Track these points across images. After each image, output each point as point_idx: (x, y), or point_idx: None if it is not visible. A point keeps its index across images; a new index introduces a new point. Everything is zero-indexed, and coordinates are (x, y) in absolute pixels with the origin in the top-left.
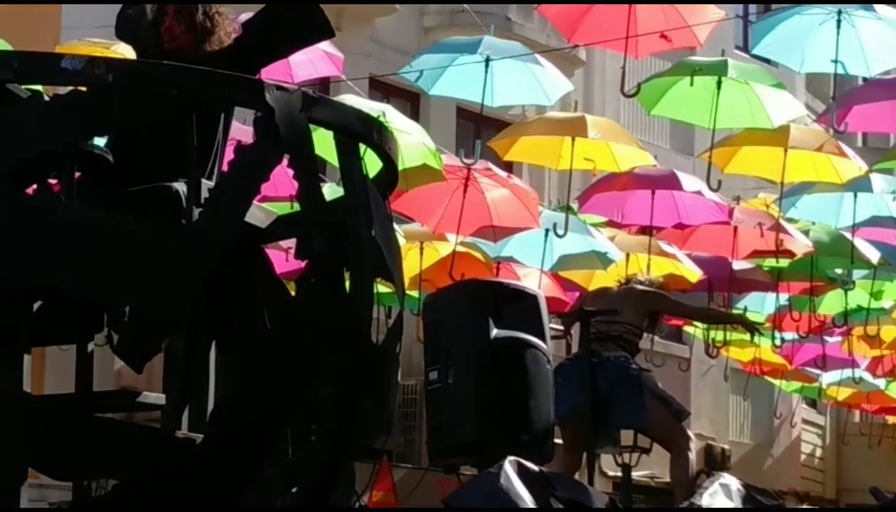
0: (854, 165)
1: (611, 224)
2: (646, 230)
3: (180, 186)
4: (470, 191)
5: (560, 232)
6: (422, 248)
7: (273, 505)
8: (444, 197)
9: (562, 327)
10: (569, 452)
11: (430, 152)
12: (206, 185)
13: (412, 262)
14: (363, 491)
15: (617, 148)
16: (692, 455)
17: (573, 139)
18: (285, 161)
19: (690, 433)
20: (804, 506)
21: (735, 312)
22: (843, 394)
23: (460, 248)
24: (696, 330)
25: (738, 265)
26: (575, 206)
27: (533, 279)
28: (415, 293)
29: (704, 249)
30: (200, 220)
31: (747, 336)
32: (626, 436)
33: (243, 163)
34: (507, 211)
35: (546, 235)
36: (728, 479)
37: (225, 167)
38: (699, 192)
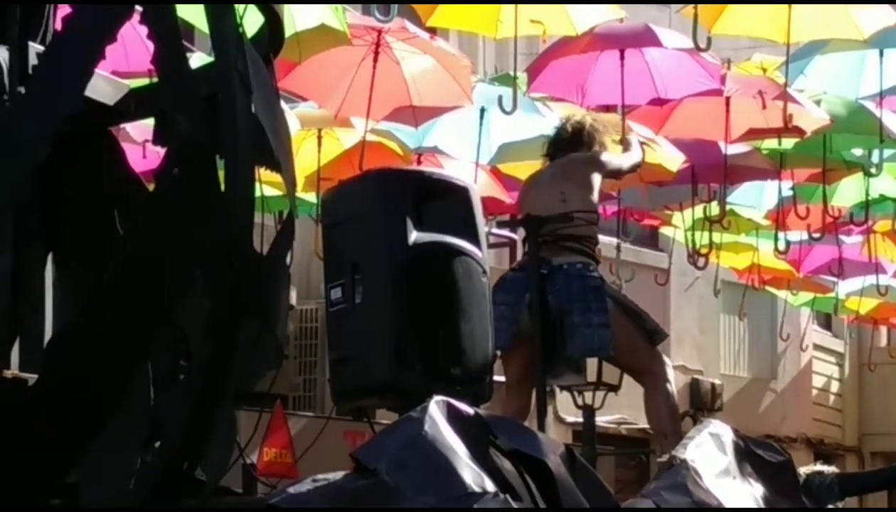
0: (880, 14)
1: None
2: (611, 109)
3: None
4: (382, 61)
5: (507, 107)
6: (320, 138)
7: (130, 463)
8: (348, 70)
9: (503, 233)
10: (515, 392)
11: (331, 8)
12: (35, 49)
13: (308, 155)
14: (247, 445)
15: (574, 8)
16: (671, 387)
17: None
18: (137, 20)
19: (667, 359)
20: (818, 466)
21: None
22: (866, 306)
23: (371, 137)
24: (675, 232)
25: (731, 149)
26: (520, 79)
27: (466, 175)
28: (311, 196)
29: (688, 131)
30: (27, 95)
31: (742, 237)
32: (590, 370)
33: (82, 20)
34: (431, 86)
35: (482, 116)
36: (719, 426)
37: (58, 25)
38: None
